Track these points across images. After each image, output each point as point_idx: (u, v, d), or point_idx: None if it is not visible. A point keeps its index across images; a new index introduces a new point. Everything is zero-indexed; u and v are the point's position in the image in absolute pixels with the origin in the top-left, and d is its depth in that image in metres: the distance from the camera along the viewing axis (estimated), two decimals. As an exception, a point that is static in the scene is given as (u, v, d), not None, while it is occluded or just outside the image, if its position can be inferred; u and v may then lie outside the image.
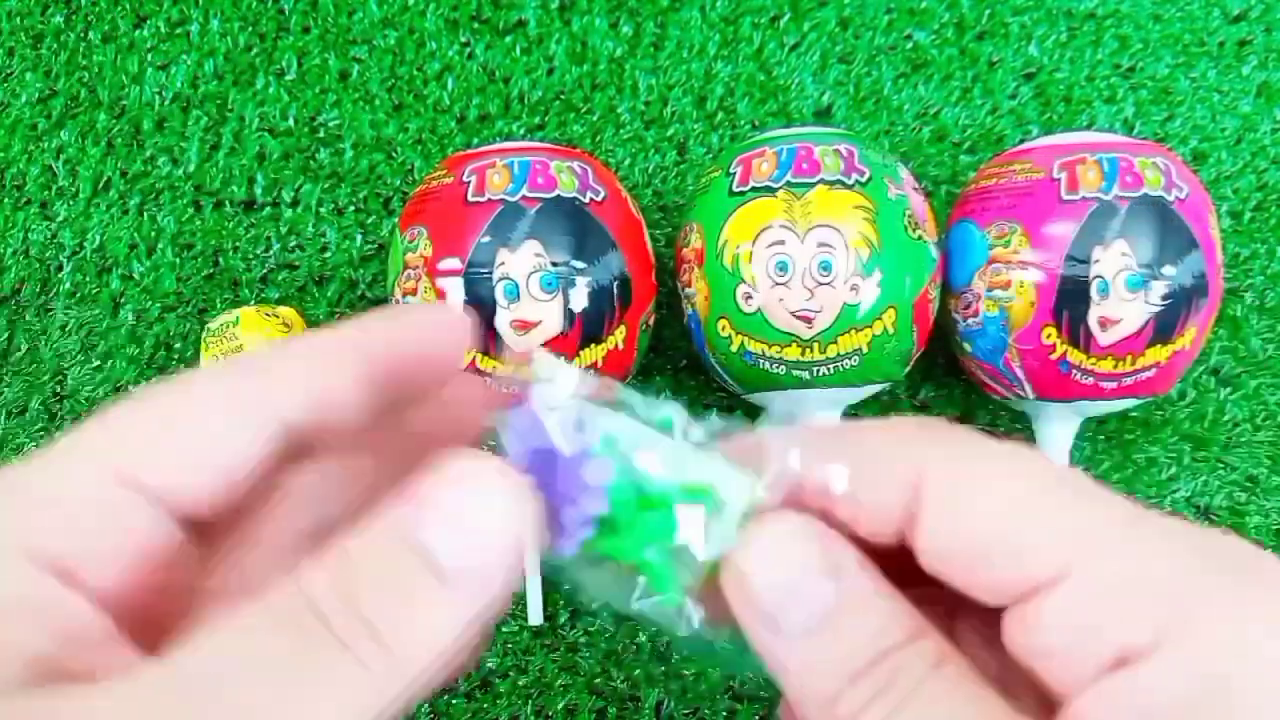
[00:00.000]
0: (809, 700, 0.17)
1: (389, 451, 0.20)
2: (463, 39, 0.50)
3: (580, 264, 0.36)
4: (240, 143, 0.49)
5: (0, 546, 0.15)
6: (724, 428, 0.19)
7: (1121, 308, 0.36)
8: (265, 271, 0.47)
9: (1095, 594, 0.15)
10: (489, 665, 0.43)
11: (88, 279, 0.47)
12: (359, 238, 0.47)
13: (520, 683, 0.43)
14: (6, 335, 0.47)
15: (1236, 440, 0.44)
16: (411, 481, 0.16)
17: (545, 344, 0.36)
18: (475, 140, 0.49)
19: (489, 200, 0.37)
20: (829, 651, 0.16)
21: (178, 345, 0.46)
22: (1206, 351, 0.45)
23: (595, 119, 0.49)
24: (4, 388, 0.46)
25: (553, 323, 0.36)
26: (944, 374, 0.45)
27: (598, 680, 0.43)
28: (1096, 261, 0.36)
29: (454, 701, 0.43)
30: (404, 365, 0.19)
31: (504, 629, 0.43)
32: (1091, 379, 0.37)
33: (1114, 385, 0.37)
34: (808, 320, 0.36)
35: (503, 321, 0.36)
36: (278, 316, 0.43)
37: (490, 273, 0.36)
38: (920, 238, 0.38)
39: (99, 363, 0.46)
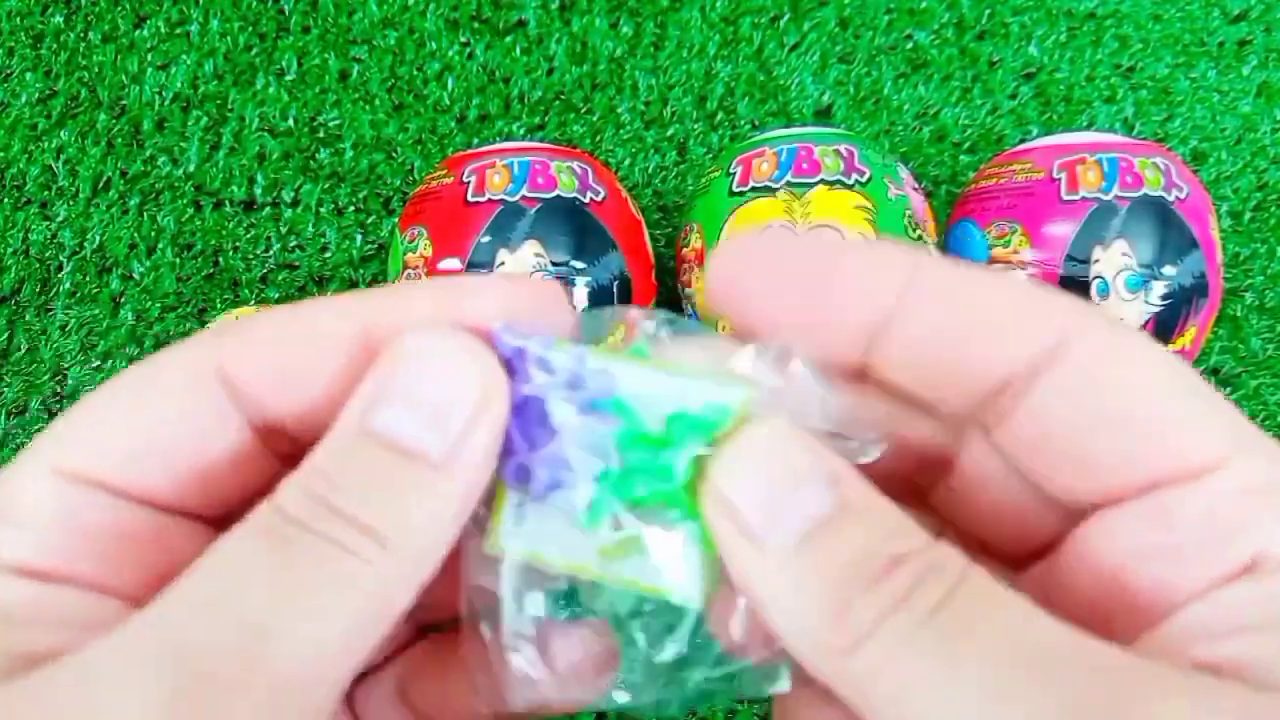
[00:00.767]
0: (802, 625, 0.13)
1: None
2: (463, 39, 0.50)
3: (580, 264, 0.36)
4: (240, 143, 0.49)
5: None
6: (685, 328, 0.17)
7: (1121, 308, 0.36)
8: (265, 271, 0.47)
9: (1248, 489, 0.13)
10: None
11: (88, 279, 0.47)
12: (359, 238, 0.47)
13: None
14: (6, 335, 0.47)
15: (1236, 440, 0.44)
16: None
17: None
18: (475, 140, 0.49)
19: (489, 200, 0.37)
20: (830, 558, 0.13)
21: (178, 345, 0.46)
22: (1206, 351, 0.45)
23: (595, 119, 0.49)
24: (4, 388, 0.46)
25: (553, 323, 0.36)
26: (944, 374, 0.45)
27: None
28: (1096, 261, 0.36)
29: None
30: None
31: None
32: (1091, 379, 0.37)
33: (1114, 385, 0.37)
34: (808, 320, 0.36)
35: (503, 321, 0.36)
36: (278, 316, 0.43)
37: (490, 273, 0.36)
38: (920, 238, 0.38)
39: (99, 363, 0.46)
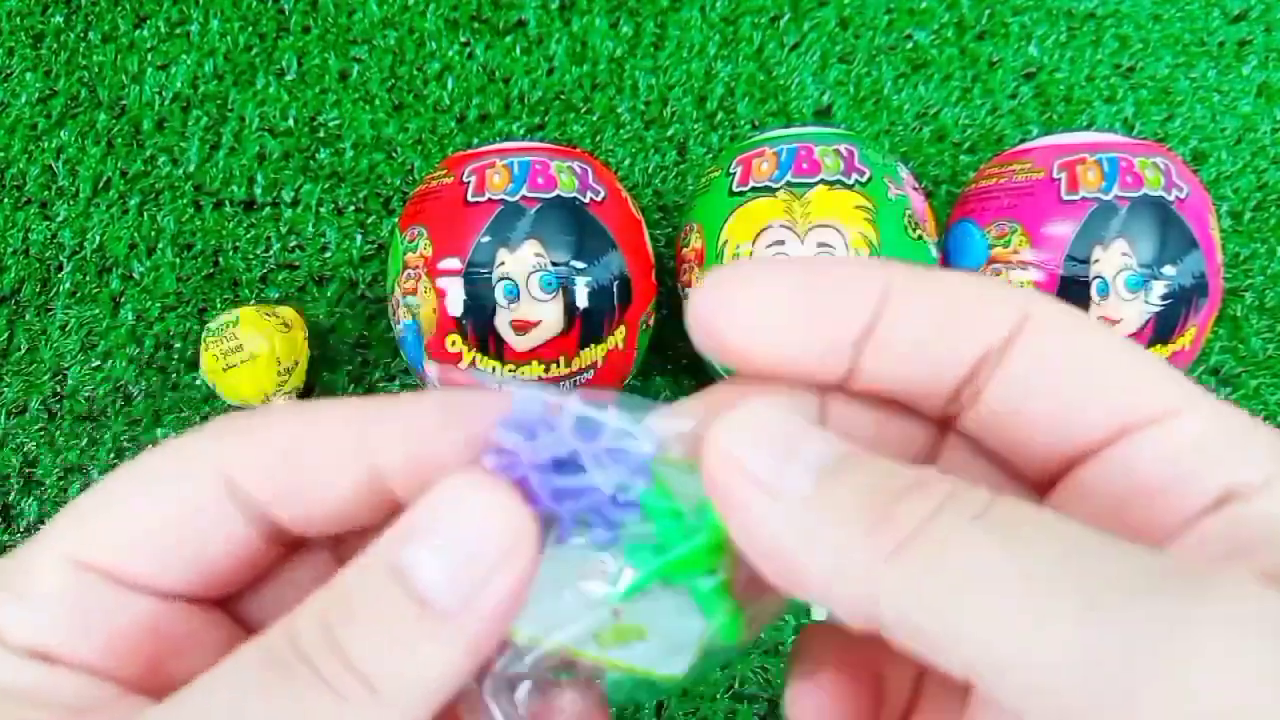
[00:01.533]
0: (838, 552, 0.13)
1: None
2: (463, 39, 0.50)
3: (580, 264, 0.36)
4: (240, 143, 0.49)
5: None
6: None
7: (1121, 308, 0.36)
8: (265, 271, 0.47)
9: (1206, 431, 0.14)
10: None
11: (88, 279, 0.47)
12: (359, 238, 0.47)
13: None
14: (6, 335, 0.47)
15: (1236, 440, 0.44)
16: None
17: (547, 343, 0.36)
18: (475, 140, 0.49)
19: (489, 200, 0.37)
20: (855, 485, 0.14)
21: (178, 345, 0.46)
22: (1206, 351, 0.45)
23: (595, 119, 0.49)
24: (4, 387, 0.46)
25: (553, 323, 0.36)
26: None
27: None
28: (1096, 261, 0.36)
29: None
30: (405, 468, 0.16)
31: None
32: (1091, 379, 0.37)
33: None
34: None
35: (502, 321, 0.36)
36: (277, 316, 0.43)
37: (490, 273, 0.36)
38: (920, 238, 0.38)
39: (99, 362, 0.46)
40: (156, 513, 0.16)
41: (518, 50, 0.50)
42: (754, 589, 0.16)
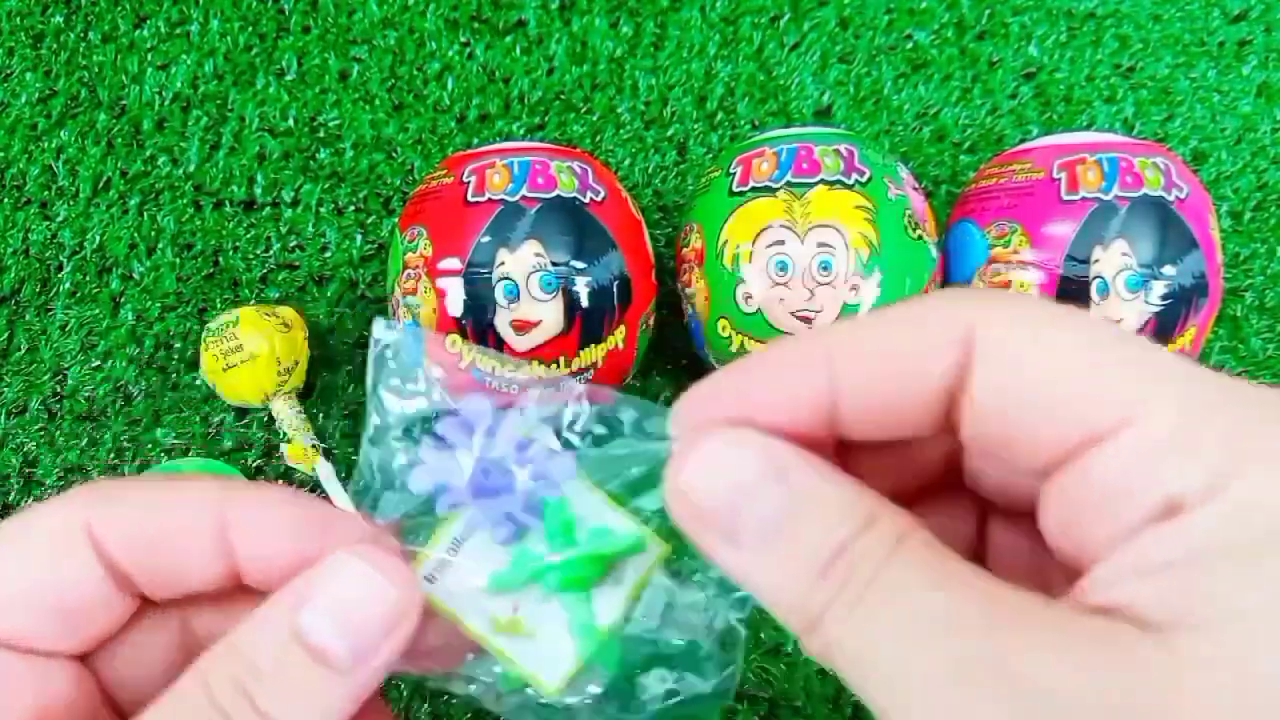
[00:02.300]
0: (784, 609, 0.16)
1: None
2: (463, 39, 0.50)
3: (580, 264, 0.36)
4: (240, 143, 0.49)
5: None
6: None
7: (1121, 308, 0.36)
8: (265, 271, 0.47)
9: (1152, 442, 0.14)
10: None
11: (88, 279, 0.47)
12: (359, 238, 0.47)
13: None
14: (6, 335, 0.47)
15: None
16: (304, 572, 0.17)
17: (547, 343, 0.36)
18: (475, 140, 0.49)
19: (489, 200, 0.37)
20: (790, 555, 0.16)
21: (178, 345, 0.46)
22: (1206, 351, 0.45)
23: (595, 119, 0.49)
24: (4, 387, 0.46)
25: (553, 323, 0.36)
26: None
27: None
28: (1096, 261, 0.36)
29: (453, 701, 0.43)
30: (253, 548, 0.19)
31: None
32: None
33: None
34: (808, 320, 0.36)
35: (503, 321, 0.36)
36: (277, 316, 0.43)
37: (490, 273, 0.36)
38: (920, 238, 0.38)
39: (99, 362, 0.46)
40: (26, 568, 0.17)
41: (518, 50, 0.50)
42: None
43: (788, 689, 0.39)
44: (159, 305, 0.47)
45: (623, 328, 0.38)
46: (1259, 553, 0.13)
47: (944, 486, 0.19)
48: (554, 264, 0.36)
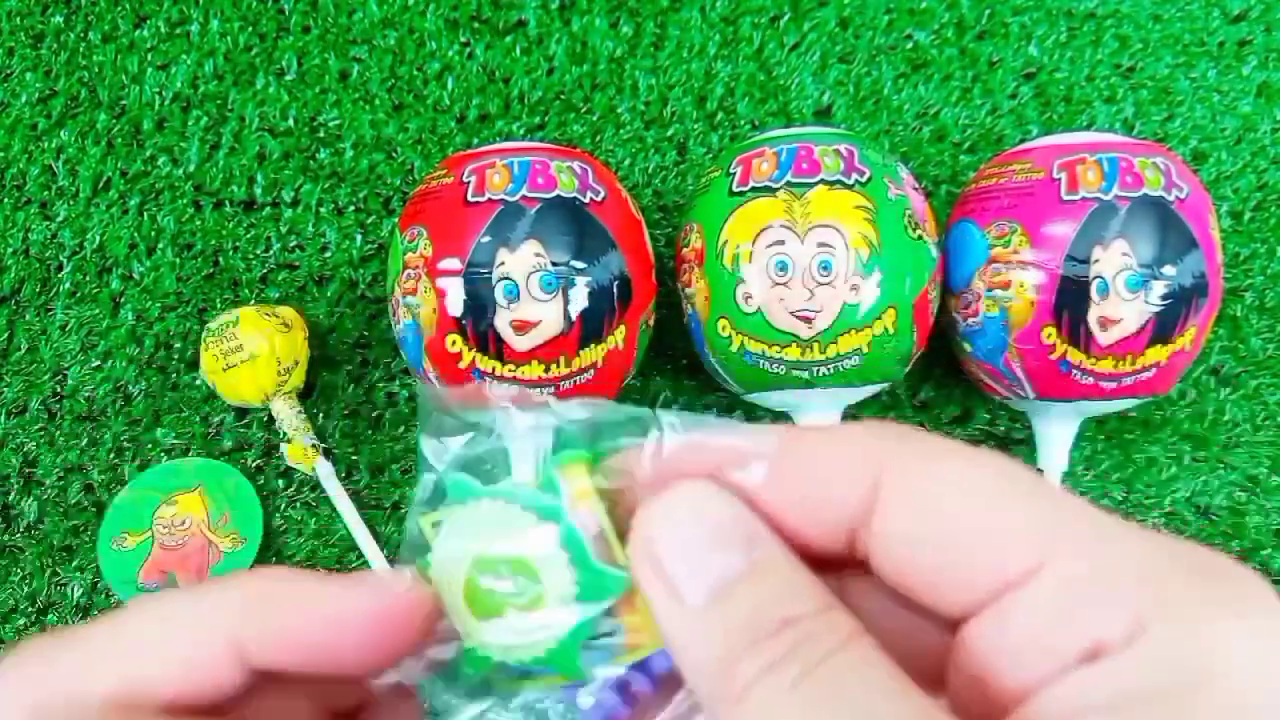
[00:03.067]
0: (703, 672, 0.15)
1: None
2: (463, 39, 0.50)
3: (580, 264, 0.36)
4: (240, 143, 0.49)
5: None
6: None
7: (1121, 308, 0.36)
8: (265, 271, 0.47)
9: (1069, 587, 0.14)
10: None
11: (88, 279, 0.47)
12: (359, 238, 0.47)
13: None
14: (6, 335, 0.47)
15: (1236, 440, 0.44)
16: None
17: (547, 343, 0.36)
18: (475, 140, 0.49)
19: (489, 200, 0.37)
20: (730, 617, 0.15)
21: (178, 345, 0.46)
22: (1206, 351, 0.45)
23: (595, 119, 0.49)
24: (4, 387, 0.46)
25: (553, 323, 0.36)
26: (944, 374, 0.45)
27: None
28: (1096, 261, 0.36)
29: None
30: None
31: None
32: (1091, 379, 0.37)
33: (1114, 385, 0.37)
34: (808, 320, 0.36)
35: (503, 321, 0.36)
36: (277, 316, 0.43)
37: (490, 273, 0.36)
38: (920, 238, 0.38)
39: (99, 362, 0.46)
40: (163, 657, 0.17)
41: (518, 50, 0.50)
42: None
43: None
44: (159, 305, 0.47)
45: (623, 328, 0.38)
46: (1184, 698, 0.13)
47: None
48: (554, 264, 0.36)
